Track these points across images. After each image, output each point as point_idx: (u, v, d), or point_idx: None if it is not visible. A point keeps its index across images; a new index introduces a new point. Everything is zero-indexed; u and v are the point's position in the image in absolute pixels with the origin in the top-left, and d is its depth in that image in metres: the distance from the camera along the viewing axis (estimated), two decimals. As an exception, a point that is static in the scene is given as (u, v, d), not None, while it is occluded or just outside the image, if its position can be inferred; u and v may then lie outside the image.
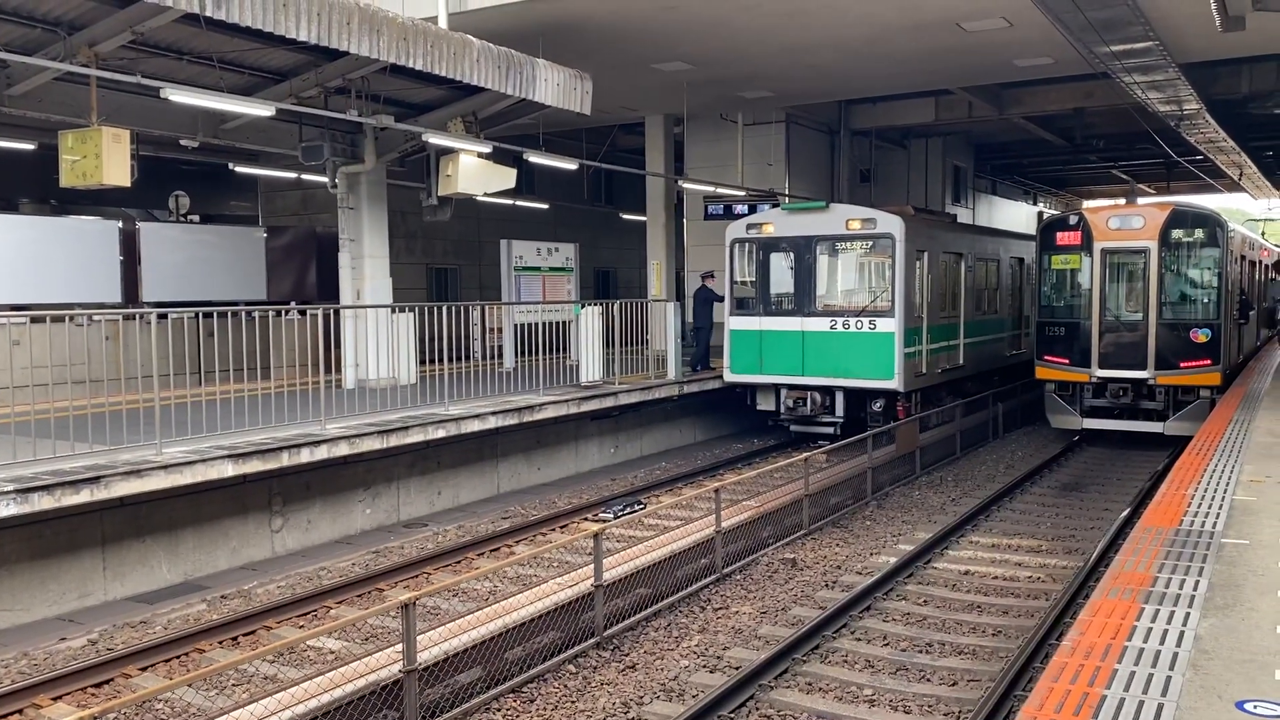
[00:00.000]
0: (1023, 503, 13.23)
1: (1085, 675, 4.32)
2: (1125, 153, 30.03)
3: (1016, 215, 36.66)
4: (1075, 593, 8.82)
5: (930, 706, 6.91)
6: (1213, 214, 16.36)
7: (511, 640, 7.48)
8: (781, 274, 16.56)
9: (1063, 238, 16.75)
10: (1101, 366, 16.21)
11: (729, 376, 16.93)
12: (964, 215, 29.36)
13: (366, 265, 14.81)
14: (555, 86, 13.30)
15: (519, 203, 23.83)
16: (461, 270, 25.45)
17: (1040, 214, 37.89)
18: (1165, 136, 23.16)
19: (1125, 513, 11.62)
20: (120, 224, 14.79)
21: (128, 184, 10.66)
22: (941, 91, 22.21)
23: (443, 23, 12.91)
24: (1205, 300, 16.01)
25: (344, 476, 11.88)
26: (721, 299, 17.34)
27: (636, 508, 12.30)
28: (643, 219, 22.25)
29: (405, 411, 12.05)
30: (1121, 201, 18.30)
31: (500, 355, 16.96)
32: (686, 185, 21.44)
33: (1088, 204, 40.09)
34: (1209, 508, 7.27)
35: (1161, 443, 15.99)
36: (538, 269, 18.99)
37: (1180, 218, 16.05)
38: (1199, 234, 15.98)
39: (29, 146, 17.17)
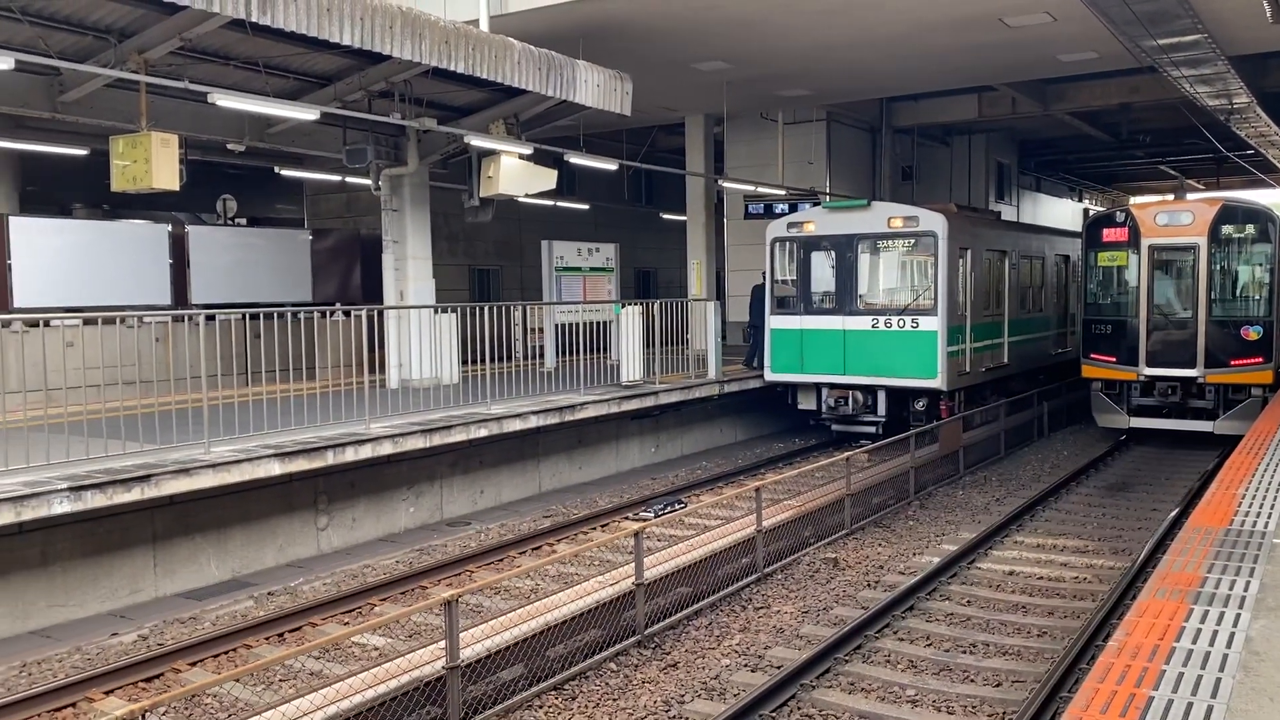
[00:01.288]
0: (1068, 503, 13.07)
1: (1132, 676, 4.27)
2: (1173, 148, 29.56)
3: (1062, 212, 36.22)
4: (1122, 594, 8.70)
5: (974, 707, 6.85)
6: (1264, 209, 16.05)
7: (553, 638, 7.52)
8: (823, 272, 16.48)
9: (1109, 234, 16.52)
10: (1149, 365, 15.96)
11: (769, 376, 16.88)
12: (1008, 212, 29.07)
13: (410, 266, 14.95)
14: (595, 88, 13.35)
15: (560, 203, 23.93)
16: (503, 271, 25.62)
17: (1086, 211, 37.39)
18: (1215, 131, 22.78)
19: (1174, 513, 11.44)
20: (170, 227, 15.05)
21: (176, 188, 10.86)
22: (984, 88, 22.01)
23: (484, 25, 13.01)
24: (1256, 297, 15.72)
25: (388, 475, 12.01)
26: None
27: (677, 507, 12.30)
28: (683, 219, 22.27)
29: (448, 411, 12.15)
30: (1170, 197, 17.99)
31: (541, 355, 17.04)
32: (726, 185, 21.44)
33: (1135, 200, 39.52)
34: (1260, 508, 7.13)
35: (1211, 442, 15.72)
36: (578, 269, 19.06)
37: (1230, 213, 15.77)
38: (1250, 229, 15.69)
39: (81, 152, 17.51)
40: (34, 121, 15.02)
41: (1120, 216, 16.59)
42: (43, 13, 10.31)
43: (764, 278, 17.52)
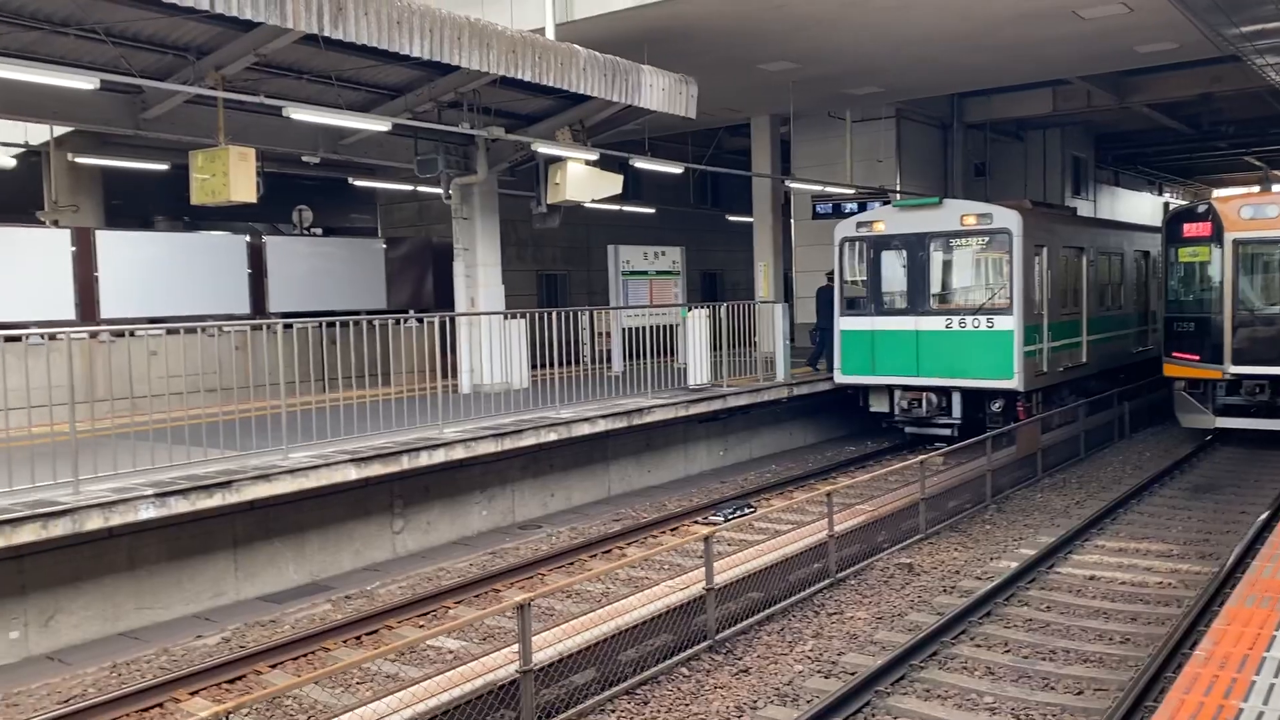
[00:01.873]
0: (1151, 505, 12.72)
1: (1220, 686, 4.14)
2: (1257, 138, 28.63)
3: (1140, 206, 35.29)
4: (1210, 600, 8.42)
5: (1055, 715, 6.70)
6: (1357, 199, 15.46)
7: (624, 642, 7.53)
8: (894, 272, 16.27)
9: (1190, 229, 16.05)
10: (1236, 363, 15.46)
11: (840, 378, 16.71)
12: (1084, 208, 28.40)
13: (480, 273, 15.12)
14: (660, 91, 13.37)
15: (626, 208, 24.01)
16: (570, 276, 25.78)
17: (1166, 205, 36.38)
18: (1302, 119, 22.00)
19: (1264, 516, 11.06)
20: (247, 238, 15.43)
21: (254, 200, 11.12)
22: (1059, 81, 21.54)
23: (550, 33, 13.12)
24: (1350, 291, 15.15)
25: (461, 479, 12.16)
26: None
27: (747, 511, 12.25)
28: (749, 220, 22.17)
29: (518, 415, 12.26)
30: (1255, 189, 17.44)
31: (609, 359, 17.10)
32: (794, 185, 21.29)
33: (1217, 193, 38.33)
34: (1356, 511, 6.86)
35: (1303, 442, 15.18)
36: (645, 273, 19.09)
37: (1320, 204, 15.21)
38: (1341, 221, 15.12)
39: (162, 167, 18.07)
40: (118, 138, 15.55)
41: (1202, 210, 16.11)
42: (125, 33, 10.64)
43: (829, 279, 17.38)
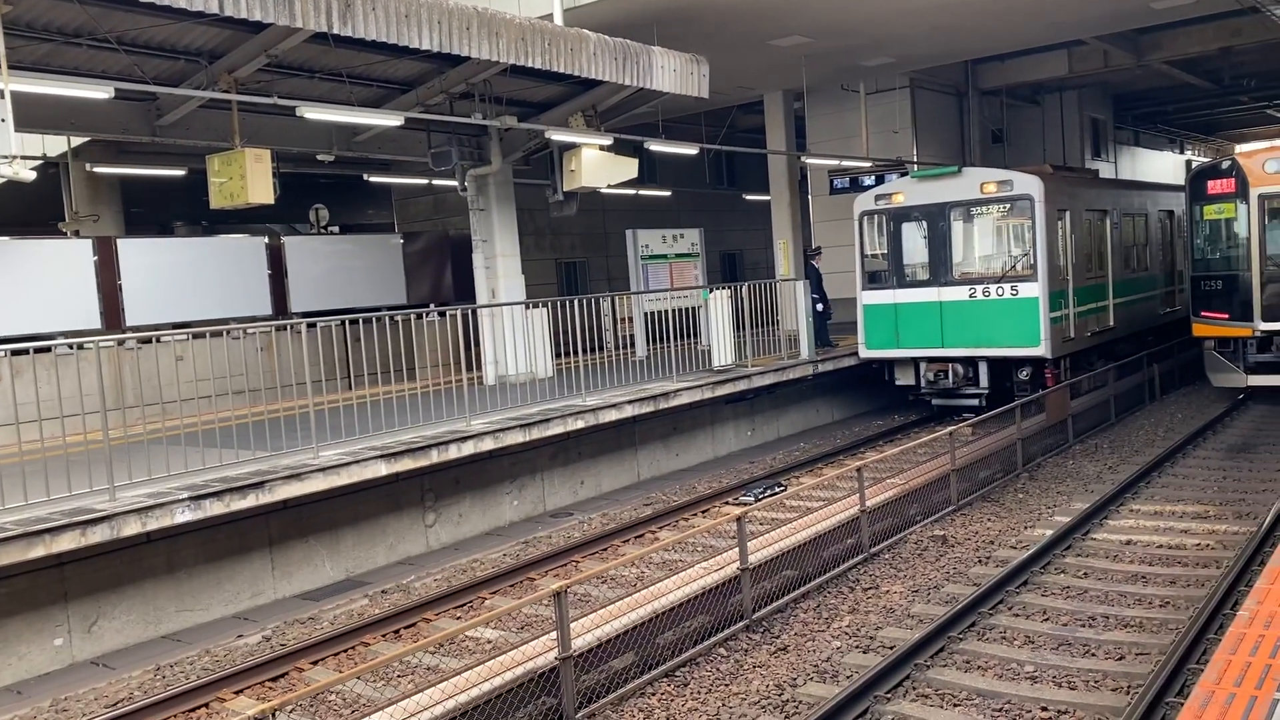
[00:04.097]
0: (1185, 467, 12.60)
1: (1266, 646, 4.09)
2: (1280, 91, 28.19)
3: (1163, 166, 34.88)
4: (1249, 560, 8.34)
5: (1097, 682, 6.66)
6: (1384, 148, 15.20)
7: (662, 625, 7.54)
8: (914, 244, 16.14)
9: (1214, 186, 15.82)
10: (1266, 319, 15.25)
11: (864, 353, 16.62)
12: (1105, 170, 28.09)
13: (499, 264, 15.13)
14: (672, 73, 13.30)
15: (642, 192, 23.96)
16: (590, 262, 25.76)
17: (1189, 163, 35.93)
18: (1325, 69, 21.65)
19: (1301, 473, 10.94)
20: (266, 240, 15.50)
21: (271, 201, 11.17)
22: (1074, 42, 21.29)
23: (558, 19, 13.07)
24: (1379, 242, 14.90)
25: (490, 470, 12.20)
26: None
27: (777, 489, 12.23)
28: (767, 199, 22.06)
29: (544, 405, 12.28)
30: (1279, 143, 17.20)
31: (632, 344, 17.09)
32: (810, 161, 21.16)
33: (1240, 148, 37.81)
34: (1397, 464, 6.77)
35: (1339, 397, 15.00)
36: (664, 256, 19.05)
37: (1347, 155, 14.97)
38: (1369, 171, 14.87)
39: (179, 172, 18.18)
40: (134, 146, 15.64)
41: (1226, 166, 15.88)
42: (137, 41, 10.69)
43: (807, 254, 17.61)
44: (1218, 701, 3.70)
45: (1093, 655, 7.10)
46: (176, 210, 22.10)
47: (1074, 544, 9.68)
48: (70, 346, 11.18)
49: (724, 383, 14.45)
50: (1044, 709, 6.34)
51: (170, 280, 13.72)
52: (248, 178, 10.88)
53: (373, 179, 22.58)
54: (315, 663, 8.02)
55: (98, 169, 17.19)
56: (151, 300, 13.39)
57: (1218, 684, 3.82)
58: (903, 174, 18.07)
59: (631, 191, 23.04)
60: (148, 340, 11.74)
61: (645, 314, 17.30)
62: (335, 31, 9.64)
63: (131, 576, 8.96)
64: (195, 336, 12.52)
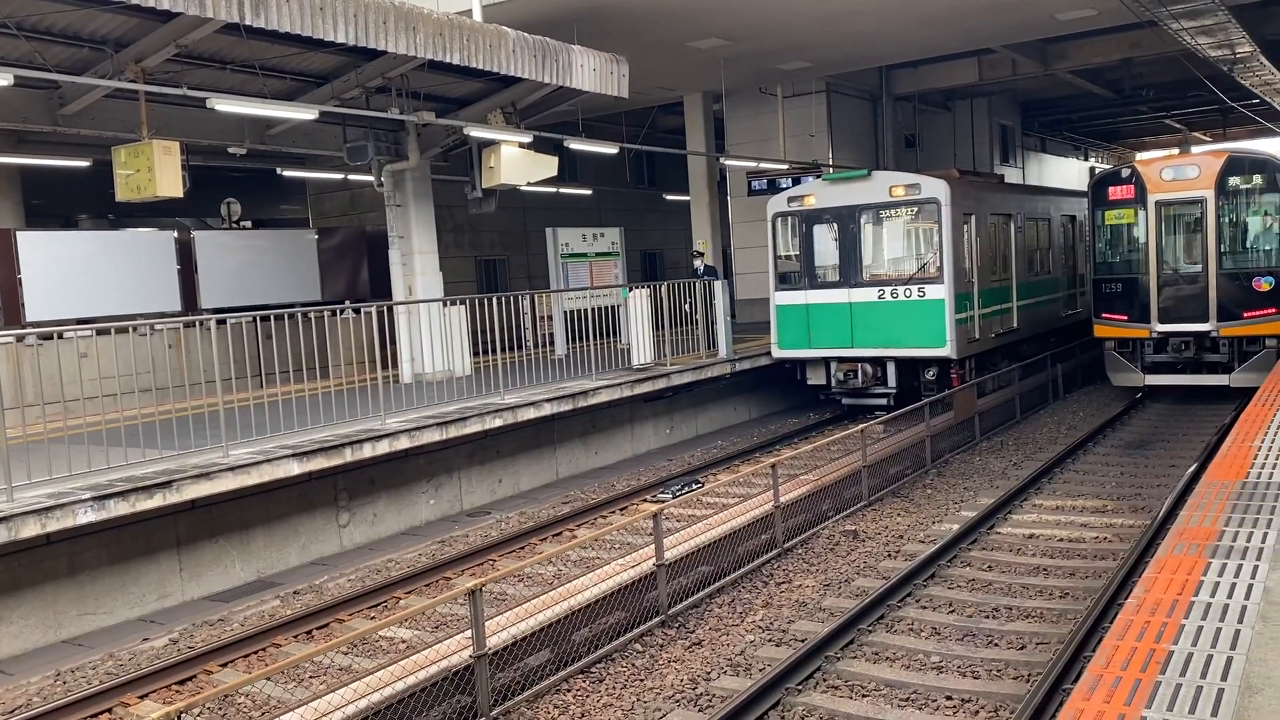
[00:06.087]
0: (1086, 463, 13.07)
1: (1152, 631, 4.30)
2: (1177, 101, 29.33)
3: (1068, 172, 36.01)
4: (1143, 551, 8.71)
5: (1000, 671, 6.89)
6: (1271, 158, 15.94)
7: (578, 622, 7.58)
8: (826, 246, 16.42)
9: (1115, 192, 16.43)
10: (1162, 321, 15.91)
11: (777, 352, 16.86)
12: (1013, 175, 28.92)
13: (416, 261, 14.99)
14: (592, 72, 13.34)
15: (562, 190, 23.93)
16: (509, 260, 25.64)
17: (1092, 169, 37.17)
18: (1219, 82, 22.55)
19: (1192, 468, 11.43)
20: (175, 234, 15.13)
21: (180, 195, 10.91)
22: (984, 51, 21.88)
23: (477, 15, 13.00)
24: (1267, 248, 15.63)
25: (407, 469, 12.09)
26: (716, 276, 17.44)
27: (694, 486, 12.35)
28: (686, 199, 22.22)
29: (463, 403, 12.21)
30: (1175, 152, 17.86)
31: (552, 343, 17.08)
32: (728, 162, 21.37)
33: (1141, 156, 39.25)
34: (1277, 459, 7.13)
35: (1227, 396, 15.68)
36: (584, 255, 19.07)
37: (1237, 164, 15.67)
38: (1257, 180, 15.58)
39: (84, 163, 17.62)
40: (35, 135, 15.11)
41: (1126, 173, 16.50)
42: (38, 27, 10.35)
43: (694, 255, 18.14)
44: (1105, 685, 3.87)
45: (996, 645, 7.34)
46: (81, 203, 21.40)
47: (980, 538, 9.98)
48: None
49: (643, 381, 14.54)
50: (949, 698, 6.55)
51: (73, 274, 13.32)
52: (156, 170, 10.61)
53: (287, 173, 22.12)
54: (225, 665, 7.88)
55: (-5, 158, 16.56)
56: (53, 295, 12.98)
57: (1105, 668, 4.00)
58: (818, 177, 18.37)
59: (552, 190, 22.99)
60: (49, 336, 11.37)
61: (565, 312, 17.30)
62: (247, 22, 9.46)
63: (30, 580, 8.68)
64: (100, 333, 12.17)
